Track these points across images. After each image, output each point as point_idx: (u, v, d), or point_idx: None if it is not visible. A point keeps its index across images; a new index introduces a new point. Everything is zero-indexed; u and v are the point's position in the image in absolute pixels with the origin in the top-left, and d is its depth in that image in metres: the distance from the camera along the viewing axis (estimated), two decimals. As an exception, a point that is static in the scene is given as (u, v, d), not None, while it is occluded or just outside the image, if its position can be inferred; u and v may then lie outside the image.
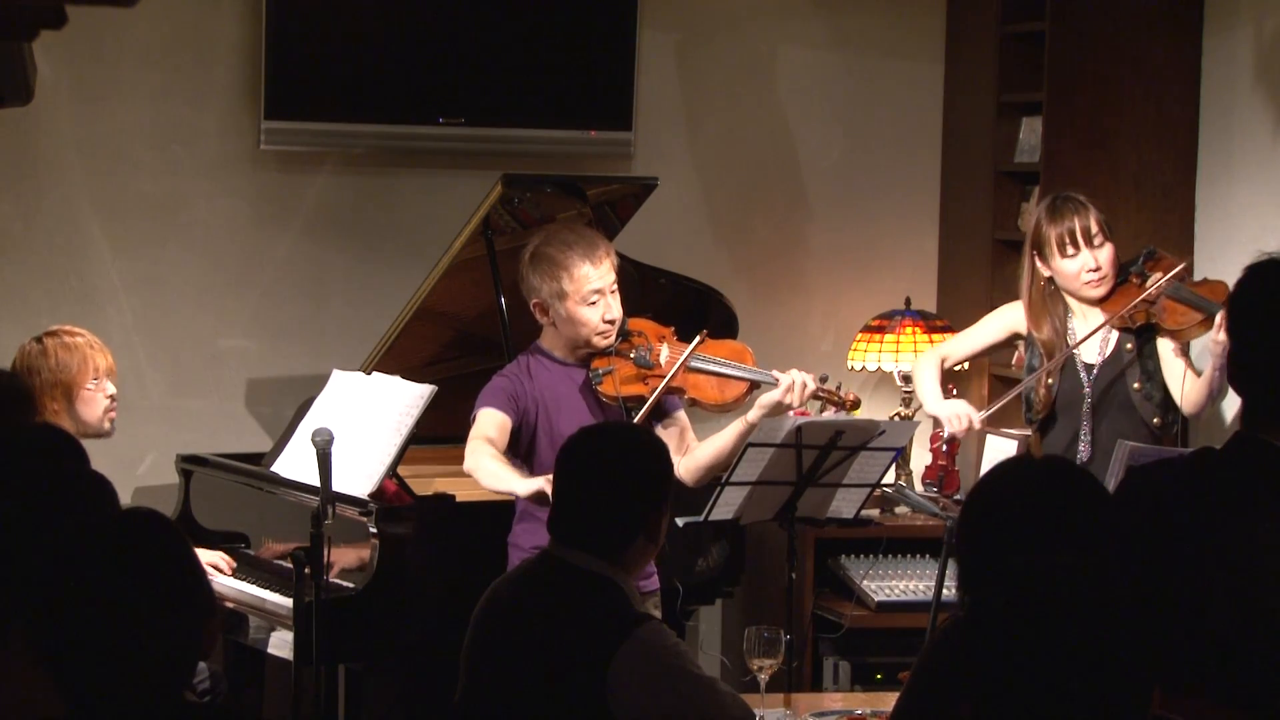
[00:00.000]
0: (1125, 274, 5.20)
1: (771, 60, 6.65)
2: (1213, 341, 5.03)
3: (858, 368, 6.38)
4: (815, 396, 4.96)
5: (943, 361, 5.45)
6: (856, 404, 5.02)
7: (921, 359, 5.54)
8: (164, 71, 6.11)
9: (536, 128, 6.27)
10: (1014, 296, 6.43)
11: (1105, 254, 5.16)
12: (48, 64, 5.76)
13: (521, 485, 4.65)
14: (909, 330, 6.37)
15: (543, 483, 4.52)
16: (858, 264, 6.73)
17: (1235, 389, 3.17)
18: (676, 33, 6.53)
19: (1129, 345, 5.18)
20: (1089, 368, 5.22)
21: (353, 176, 6.29)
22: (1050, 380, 5.22)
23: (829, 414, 5.04)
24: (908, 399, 6.41)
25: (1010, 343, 5.46)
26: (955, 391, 6.40)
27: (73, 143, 6.05)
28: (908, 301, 6.48)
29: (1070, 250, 5.15)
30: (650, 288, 5.54)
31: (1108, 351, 5.21)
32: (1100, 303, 5.19)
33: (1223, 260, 5.86)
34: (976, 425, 5.28)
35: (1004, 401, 5.39)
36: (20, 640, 2.71)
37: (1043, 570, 2.31)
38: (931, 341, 6.34)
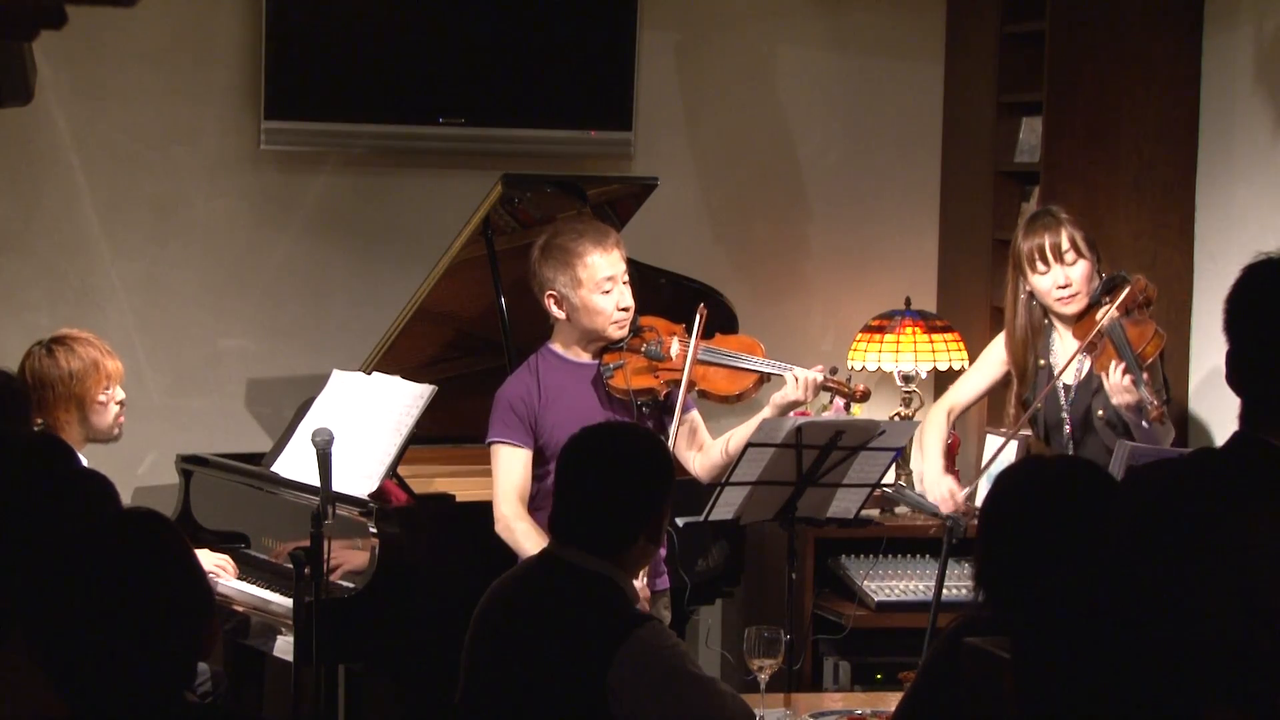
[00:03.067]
0: (1096, 296, 5.09)
1: (771, 60, 6.64)
2: (1111, 386, 4.92)
3: (858, 368, 6.38)
4: (824, 388, 4.99)
5: (950, 414, 5.37)
6: (866, 395, 5.07)
7: (930, 417, 5.43)
8: (164, 71, 6.11)
9: (536, 128, 6.27)
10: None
11: (1077, 271, 5.08)
12: (48, 64, 5.76)
13: None
14: (909, 330, 6.36)
15: None
16: (858, 264, 6.73)
17: (1234, 389, 3.17)
18: (676, 33, 6.52)
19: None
20: (1067, 389, 5.14)
21: (353, 176, 6.29)
22: (1039, 405, 5.13)
23: (831, 414, 5.06)
24: (908, 399, 6.41)
25: (1008, 378, 5.31)
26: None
27: (73, 143, 6.05)
28: (908, 301, 6.48)
29: (1040, 266, 5.09)
30: (650, 288, 5.54)
31: (1082, 375, 5.12)
32: (1076, 320, 5.10)
33: (1223, 260, 5.86)
34: (963, 505, 5.21)
35: (995, 455, 5.33)
36: (21, 641, 2.71)
37: (1091, 589, 2.30)
38: (931, 341, 6.34)
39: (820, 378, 4.96)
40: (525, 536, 4.87)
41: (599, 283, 4.95)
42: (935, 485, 5.27)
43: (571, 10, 6.28)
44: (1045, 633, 2.26)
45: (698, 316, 5.04)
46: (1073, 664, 2.24)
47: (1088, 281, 5.10)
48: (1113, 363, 4.91)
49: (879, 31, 6.69)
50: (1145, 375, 4.90)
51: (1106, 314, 5.00)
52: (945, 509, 5.19)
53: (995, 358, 5.34)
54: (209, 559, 5.30)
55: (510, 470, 4.98)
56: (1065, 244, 5.08)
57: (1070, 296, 5.09)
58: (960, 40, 6.67)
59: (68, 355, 5.10)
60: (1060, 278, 5.09)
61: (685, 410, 5.09)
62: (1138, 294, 5.02)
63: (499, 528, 4.96)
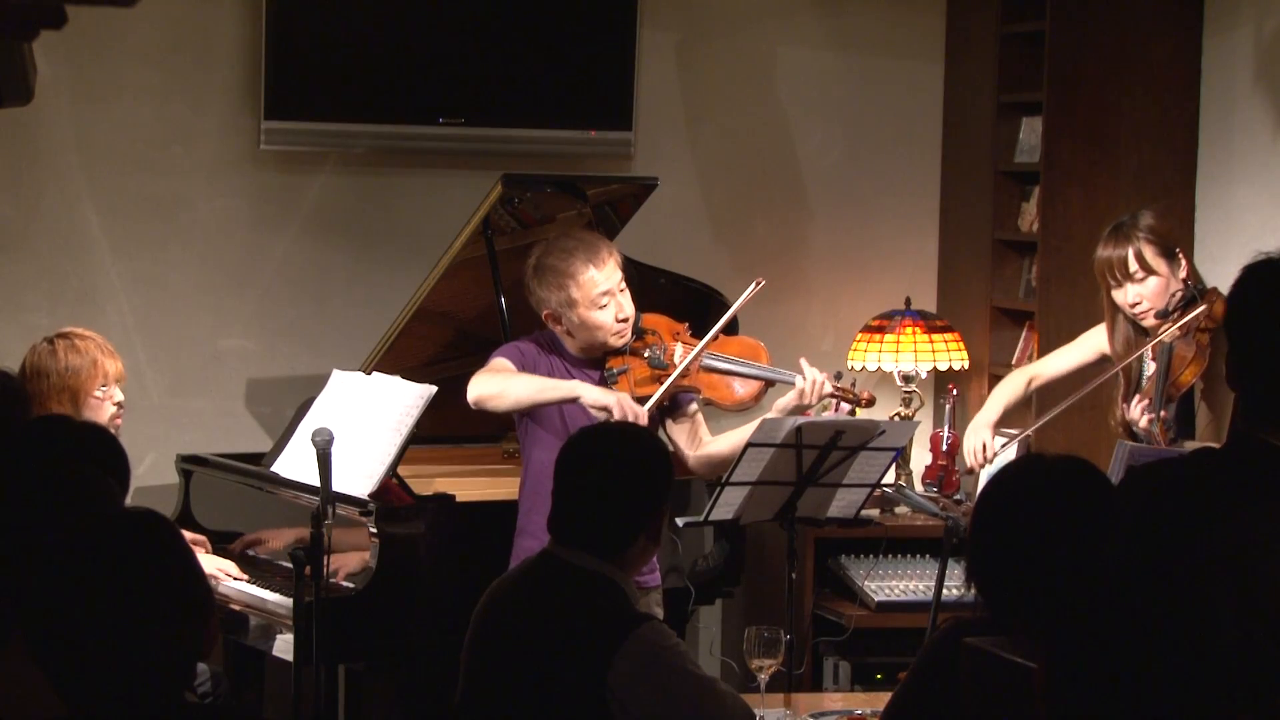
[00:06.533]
0: (1177, 306, 5.05)
1: (771, 60, 6.64)
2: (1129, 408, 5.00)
3: (858, 368, 6.38)
4: (831, 395, 4.97)
5: (1030, 382, 5.39)
6: (871, 401, 5.05)
7: (1008, 376, 5.47)
8: (164, 71, 6.11)
9: (536, 128, 6.27)
10: (1013, 296, 6.47)
11: (1147, 288, 5.06)
12: (48, 64, 5.75)
13: (590, 392, 4.71)
14: (909, 330, 6.37)
15: (614, 399, 4.62)
16: (858, 264, 6.73)
17: (1234, 389, 3.17)
18: (676, 33, 6.53)
19: None
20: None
21: (353, 176, 6.29)
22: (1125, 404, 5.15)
23: (830, 415, 5.05)
24: (908, 399, 6.41)
25: (1100, 363, 5.31)
26: (956, 392, 6.41)
27: (73, 143, 6.05)
28: (908, 301, 6.48)
29: (1111, 283, 5.09)
30: (650, 288, 5.54)
31: None
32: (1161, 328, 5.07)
33: (1223, 260, 5.86)
34: (988, 464, 5.24)
35: (1027, 433, 5.33)
36: (21, 641, 2.71)
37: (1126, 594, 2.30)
38: (931, 341, 6.35)
39: (830, 386, 4.93)
40: (520, 375, 4.83)
41: (595, 299, 4.87)
42: (973, 431, 5.32)
43: (571, 10, 6.29)
44: (1077, 637, 2.26)
45: (753, 285, 4.96)
46: (1103, 669, 2.24)
47: (1162, 296, 5.06)
48: (1135, 397, 4.94)
49: (879, 31, 6.69)
50: (1166, 411, 4.91)
51: (1168, 331, 4.99)
52: (969, 461, 5.26)
53: (1093, 343, 5.32)
54: (210, 562, 5.30)
55: (500, 368, 4.91)
56: (1132, 264, 5.05)
57: (1144, 312, 5.08)
58: (960, 40, 6.67)
59: (68, 349, 5.13)
60: (1131, 295, 5.07)
61: (685, 404, 5.07)
62: (1201, 319, 4.98)
63: (476, 391, 4.86)
